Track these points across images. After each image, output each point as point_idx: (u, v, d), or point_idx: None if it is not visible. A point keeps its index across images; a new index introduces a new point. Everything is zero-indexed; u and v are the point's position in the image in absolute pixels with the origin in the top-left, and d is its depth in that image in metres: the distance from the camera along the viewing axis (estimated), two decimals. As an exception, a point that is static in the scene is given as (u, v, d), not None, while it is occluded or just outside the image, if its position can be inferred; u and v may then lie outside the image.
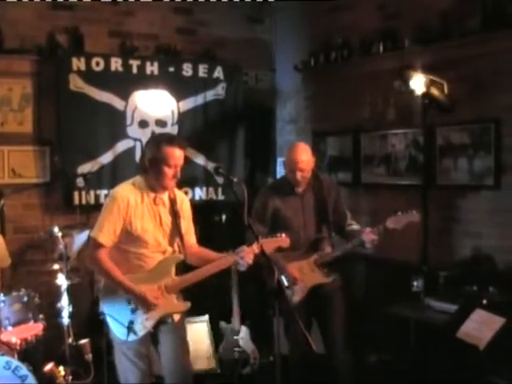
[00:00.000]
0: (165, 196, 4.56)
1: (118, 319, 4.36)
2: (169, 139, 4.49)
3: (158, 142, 4.46)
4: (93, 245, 4.38)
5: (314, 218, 5.52)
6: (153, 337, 4.52)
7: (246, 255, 4.49)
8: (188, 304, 4.58)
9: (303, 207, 5.52)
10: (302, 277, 5.29)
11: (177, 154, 4.42)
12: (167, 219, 4.55)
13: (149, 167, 4.43)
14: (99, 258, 4.33)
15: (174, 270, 4.55)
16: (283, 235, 4.71)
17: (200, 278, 4.53)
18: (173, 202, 4.59)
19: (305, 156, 5.36)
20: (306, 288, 5.28)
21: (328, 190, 5.56)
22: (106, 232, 4.32)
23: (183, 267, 4.66)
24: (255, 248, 4.50)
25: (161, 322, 4.46)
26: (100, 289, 4.62)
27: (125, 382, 4.49)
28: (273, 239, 4.69)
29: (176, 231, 4.59)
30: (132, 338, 4.33)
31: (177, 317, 4.57)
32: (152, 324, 4.40)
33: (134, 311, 4.37)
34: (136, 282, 4.36)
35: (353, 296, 6.25)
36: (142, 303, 4.35)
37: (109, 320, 4.41)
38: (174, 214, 4.58)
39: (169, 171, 4.40)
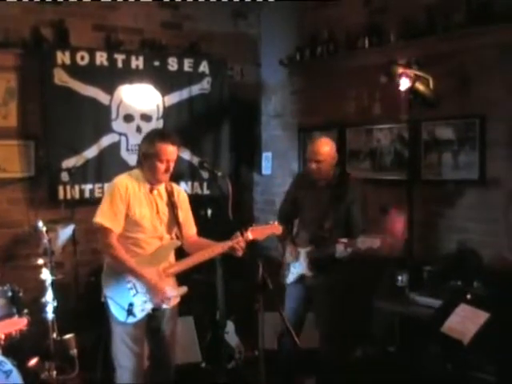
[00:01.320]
0: (161, 188, 4.78)
1: (118, 302, 4.49)
2: (161, 135, 4.70)
3: (152, 137, 4.68)
4: (102, 231, 4.53)
5: (325, 214, 5.55)
6: (145, 320, 4.63)
7: (241, 241, 4.68)
8: (185, 288, 4.79)
9: (318, 201, 5.59)
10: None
11: (169, 150, 4.62)
12: (164, 209, 4.75)
13: (142, 162, 4.66)
14: (113, 244, 4.50)
15: (172, 255, 4.76)
16: (275, 223, 4.93)
17: (197, 263, 4.73)
18: (170, 194, 4.80)
19: (324, 149, 5.49)
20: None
21: (349, 190, 5.57)
22: (111, 217, 4.52)
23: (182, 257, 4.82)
24: (248, 234, 4.71)
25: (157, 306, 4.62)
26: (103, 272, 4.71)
27: (119, 365, 4.65)
28: (264, 226, 4.89)
29: (174, 221, 4.78)
30: (131, 319, 4.47)
31: (172, 301, 4.74)
32: (151, 307, 4.55)
33: (134, 294, 4.51)
34: (137, 265, 4.51)
35: (338, 290, 6.26)
36: (152, 292, 4.52)
37: (110, 302, 4.53)
38: (172, 205, 4.78)
39: (161, 166, 4.62)
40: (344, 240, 5.30)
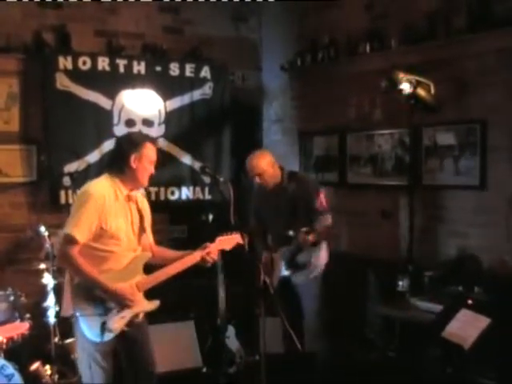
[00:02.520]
0: (134, 194, 4.60)
1: (90, 320, 4.31)
2: (149, 138, 4.71)
3: (140, 140, 4.56)
4: (66, 241, 4.29)
5: (285, 215, 5.80)
6: (120, 336, 4.43)
7: (212, 252, 4.66)
8: (157, 302, 4.59)
9: (277, 206, 5.89)
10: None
11: (154, 151, 4.58)
12: (136, 218, 4.59)
13: (133, 165, 4.45)
14: (72, 255, 4.25)
15: (142, 268, 4.57)
16: (236, 233, 4.81)
17: (169, 276, 4.59)
18: (136, 201, 4.64)
19: (258, 162, 5.89)
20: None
21: (298, 187, 5.85)
22: (83, 229, 4.26)
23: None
24: (218, 245, 4.72)
25: (130, 321, 4.44)
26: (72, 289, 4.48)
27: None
28: (227, 237, 4.82)
29: (141, 230, 4.64)
30: (107, 337, 4.30)
31: (141, 315, 4.56)
32: (125, 322, 4.39)
33: (106, 311, 4.33)
34: (108, 281, 4.33)
35: (338, 295, 6.28)
36: (120, 300, 4.35)
37: (81, 322, 4.35)
38: (139, 212, 4.62)
39: (150, 168, 4.52)
40: (304, 229, 5.46)
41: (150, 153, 4.51)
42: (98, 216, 4.30)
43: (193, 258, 4.63)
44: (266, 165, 5.86)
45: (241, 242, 4.80)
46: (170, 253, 4.82)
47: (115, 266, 4.42)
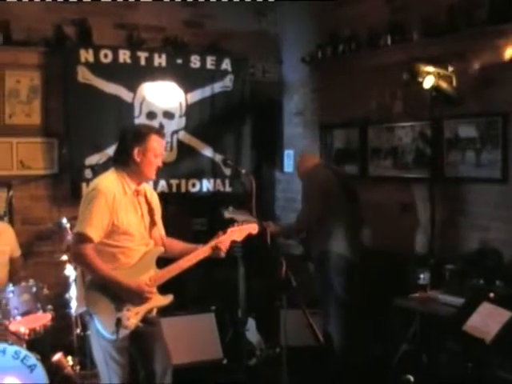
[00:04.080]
0: (142, 188, 4.54)
1: (105, 317, 4.26)
2: (155, 130, 4.59)
3: (146, 132, 4.45)
4: (80, 240, 4.25)
5: None
6: (135, 331, 4.39)
7: (223, 242, 4.60)
8: (171, 297, 4.55)
9: None
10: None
11: (162, 144, 4.50)
12: (145, 212, 4.54)
13: (137, 158, 4.38)
14: (87, 254, 4.21)
15: (155, 262, 4.51)
16: (250, 223, 4.79)
17: (182, 269, 4.52)
18: (145, 194, 4.58)
19: None
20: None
21: None
22: (96, 227, 4.22)
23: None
24: (230, 235, 4.64)
25: (144, 317, 4.42)
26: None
27: (105, 379, 4.42)
28: (239, 227, 4.75)
29: (152, 223, 4.58)
30: (122, 333, 4.23)
31: (154, 310, 4.55)
32: (140, 318, 4.36)
33: (120, 308, 4.27)
34: (121, 277, 4.29)
35: (359, 289, 6.28)
36: (137, 296, 4.32)
37: (95, 319, 4.29)
38: (148, 205, 4.57)
39: (155, 161, 4.43)
40: None
41: (155, 145, 4.42)
42: (110, 212, 4.26)
43: (205, 250, 4.58)
44: None
45: (253, 232, 4.77)
46: (181, 245, 4.76)
47: (128, 261, 4.39)
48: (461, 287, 5.47)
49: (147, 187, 4.65)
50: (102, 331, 4.28)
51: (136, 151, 4.37)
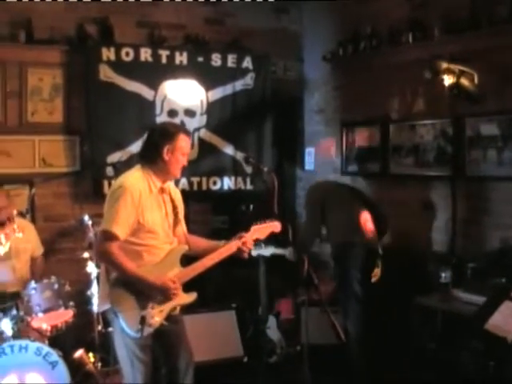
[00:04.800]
0: (166, 186, 4.54)
1: (129, 316, 4.25)
2: (182, 128, 4.62)
3: (173, 131, 4.46)
4: (106, 237, 4.25)
5: None
6: (158, 329, 4.38)
7: (248, 241, 4.60)
8: (195, 295, 4.53)
9: None
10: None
11: (189, 143, 4.52)
12: (170, 210, 4.54)
13: (165, 156, 4.39)
14: (113, 252, 4.22)
15: (179, 261, 4.51)
16: (272, 221, 4.77)
17: (206, 267, 4.51)
18: (169, 192, 4.58)
19: None
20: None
21: None
22: (122, 224, 4.22)
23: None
24: (253, 234, 4.64)
25: (168, 315, 4.41)
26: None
27: (128, 378, 4.42)
28: (262, 225, 4.74)
29: (176, 221, 4.59)
30: (147, 332, 4.22)
31: (178, 308, 4.55)
32: (164, 316, 4.35)
33: (144, 306, 4.27)
34: (145, 274, 4.29)
35: (378, 286, 6.27)
36: (164, 293, 4.31)
37: (120, 317, 4.27)
38: (172, 203, 4.57)
39: (182, 160, 4.44)
40: None
41: (183, 144, 4.43)
42: (135, 211, 4.26)
43: (229, 248, 4.56)
44: None
45: (276, 230, 4.76)
46: (204, 243, 4.75)
47: (152, 259, 4.39)
48: (482, 286, 5.45)
49: (171, 185, 4.65)
50: (126, 329, 4.27)
51: (165, 150, 4.37)
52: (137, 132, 7.24)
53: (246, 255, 4.63)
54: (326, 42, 8.00)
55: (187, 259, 4.57)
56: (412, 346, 5.98)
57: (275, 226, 4.77)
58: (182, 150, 4.43)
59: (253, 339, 6.70)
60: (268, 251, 6.32)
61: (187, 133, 4.55)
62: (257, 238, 4.73)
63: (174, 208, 4.57)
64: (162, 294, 4.32)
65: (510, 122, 5.90)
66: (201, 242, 4.76)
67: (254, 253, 6.28)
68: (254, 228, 4.68)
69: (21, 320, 5.43)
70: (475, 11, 6.10)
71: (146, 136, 4.65)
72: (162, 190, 4.49)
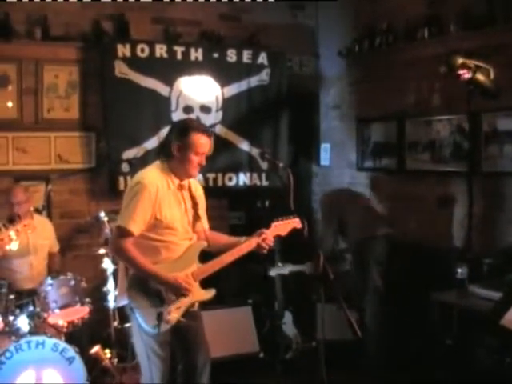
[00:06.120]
0: (186, 182, 4.51)
1: (146, 312, 4.26)
2: (197, 126, 4.44)
3: (186, 128, 4.39)
4: (121, 234, 4.26)
5: None
6: (176, 326, 4.37)
7: (268, 238, 4.56)
8: (213, 291, 4.54)
9: None
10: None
11: (204, 142, 4.39)
12: (189, 206, 4.51)
13: (176, 154, 4.36)
14: (127, 248, 4.23)
15: (197, 257, 4.50)
16: (293, 218, 4.67)
17: (225, 264, 4.50)
18: (190, 188, 4.56)
19: None
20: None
21: None
22: (138, 221, 4.22)
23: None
24: (273, 230, 4.60)
25: (186, 311, 4.41)
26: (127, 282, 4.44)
27: (150, 379, 4.41)
28: (283, 222, 4.69)
29: (196, 217, 4.57)
30: (164, 328, 4.23)
31: (196, 305, 4.55)
32: (181, 313, 4.34)
33: (162, 302, 4.27)
34: (163, 271, 4.30)
35: (395, 282, 6.26)
36: (176, 289, 4.30)
37: (137, 314, 4.29)
38: (193, 199, 4.55)
39: (195, 159, 4.36)
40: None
41: (197, 142, 4.34)
42: (152, 207, 4.25)
43: (249, 244, 4.53)
44: None
45: (297, 226, 4.67)
46: (224, 239, 4.75)
47: (171, 255, 4.39)
48: (499, 281, 5.42)
49: (192, 181, 4.62)
50: (143, 325, 4.29)
51: (176, 146, 4.34)
52: (152, 128, 7.27)
53: (265, 251, 4.60)
54: (341, 38, 7.98)
55: (205, 254, 4.57)
56: (430, 342, 5.97)
57: (296, 223, 4.66)
58: (196, 149, 4.34)
59: (269, 335, 6.71)
60: (286, 270, 6.36)
61: (204, 131, 4.43)
62: (278, 235, 4.68)
63: (195, 204, 4.55)
64: (174, 289, 4.31)
65: (526, 118, 5.87)
66: (221, 238, 4.76)
67: (273, 273, 6.33)
68: (274, 225, 4.64)
69: (37, 316, 5.46)
70: (491, 7, 6.07)
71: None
72: (181, 187, 4.47)
